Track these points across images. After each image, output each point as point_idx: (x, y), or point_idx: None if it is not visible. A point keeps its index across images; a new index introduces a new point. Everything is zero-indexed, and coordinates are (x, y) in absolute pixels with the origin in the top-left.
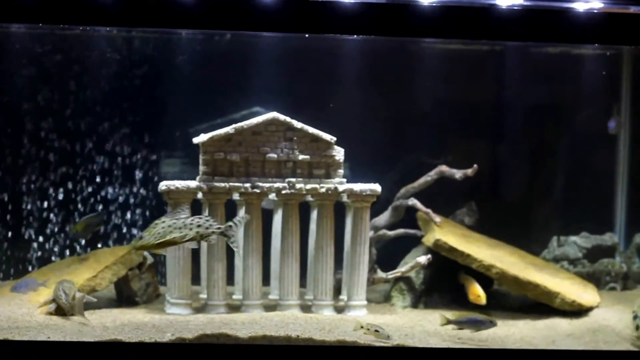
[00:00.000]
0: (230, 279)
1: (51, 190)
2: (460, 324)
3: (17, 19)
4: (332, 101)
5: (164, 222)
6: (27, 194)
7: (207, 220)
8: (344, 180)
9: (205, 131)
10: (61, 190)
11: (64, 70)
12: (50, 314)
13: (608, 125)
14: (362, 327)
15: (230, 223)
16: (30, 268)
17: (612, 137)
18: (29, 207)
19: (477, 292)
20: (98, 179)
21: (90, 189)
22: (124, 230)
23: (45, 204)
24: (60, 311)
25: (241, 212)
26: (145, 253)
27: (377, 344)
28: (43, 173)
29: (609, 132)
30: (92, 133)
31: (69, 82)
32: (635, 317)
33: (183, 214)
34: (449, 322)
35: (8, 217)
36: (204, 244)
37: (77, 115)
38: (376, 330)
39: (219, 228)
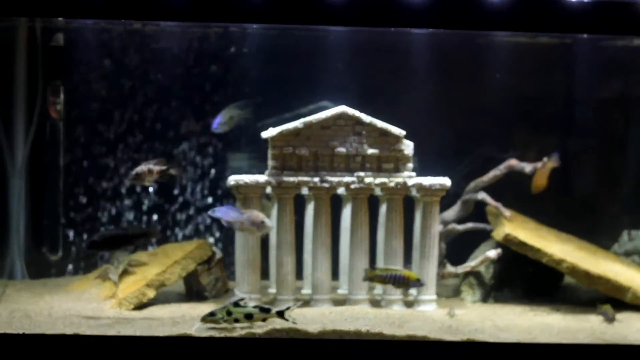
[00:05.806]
0: (299, 274)
1: (122, 184)
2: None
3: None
4: (400, 95)
5: None
6: (100, 189)
7: None
8: (413, 174)
9: (273, 125)
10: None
11: (130, 66)
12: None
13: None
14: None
15: None
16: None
17: None
18: (101, 201)
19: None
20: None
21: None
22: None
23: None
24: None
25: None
26: (214, 248)
27: (447, 339)
28: (111, 169)
29: None
30: (161, 127)
31: (137, 77)
32: None
33: None
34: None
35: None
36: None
37: (146, 109)
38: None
39: None
